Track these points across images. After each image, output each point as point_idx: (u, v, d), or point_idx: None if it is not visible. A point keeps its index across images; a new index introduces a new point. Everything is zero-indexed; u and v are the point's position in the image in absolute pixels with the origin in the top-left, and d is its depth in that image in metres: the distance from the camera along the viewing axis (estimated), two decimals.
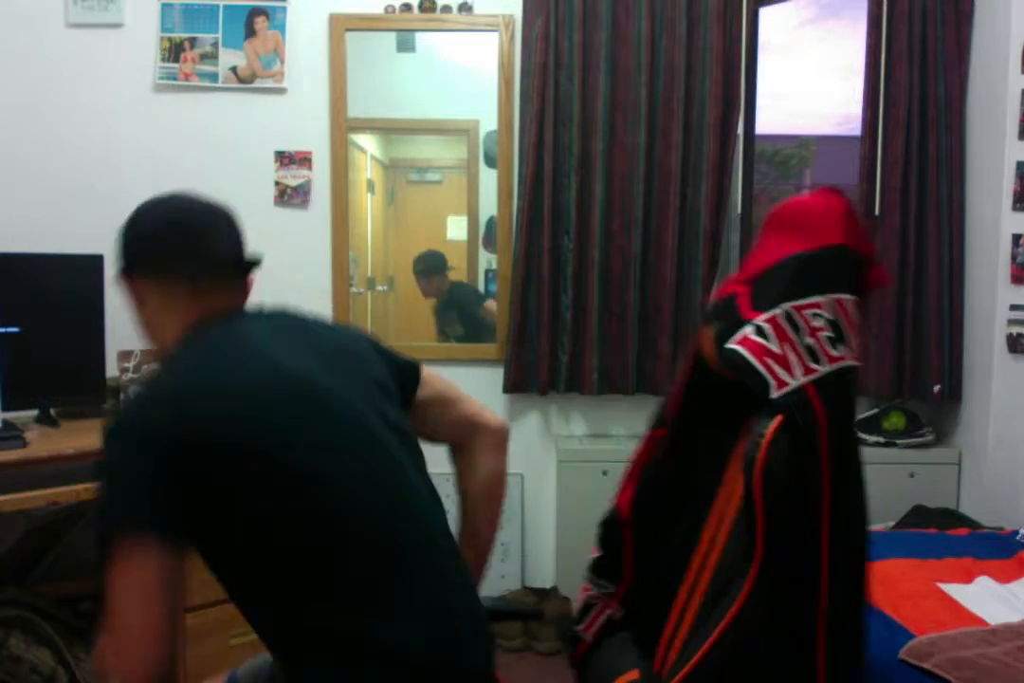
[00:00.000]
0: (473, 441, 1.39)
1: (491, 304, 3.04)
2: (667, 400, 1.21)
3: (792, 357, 1.00)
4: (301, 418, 1.11)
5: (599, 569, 1.30)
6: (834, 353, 1.01)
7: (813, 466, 0.98)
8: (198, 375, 1.11)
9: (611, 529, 1.27)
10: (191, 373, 1.11)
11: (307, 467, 1.09)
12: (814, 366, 1.00)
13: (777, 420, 0.98)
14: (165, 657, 1.03)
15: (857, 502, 1.04)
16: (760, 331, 1.02)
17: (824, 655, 1.01)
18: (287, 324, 1.25)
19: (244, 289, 1.27)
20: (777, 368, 1.00)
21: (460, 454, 1.41)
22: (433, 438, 1.39)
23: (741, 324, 1.04)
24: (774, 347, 1.01)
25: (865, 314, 1.08)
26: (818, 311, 1.02)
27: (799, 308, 1.02)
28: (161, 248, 1.19)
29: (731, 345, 1.03)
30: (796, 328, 1.01)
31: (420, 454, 1.28)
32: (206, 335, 1.17)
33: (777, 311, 1.02)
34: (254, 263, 1.26)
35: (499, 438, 1.41)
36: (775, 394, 0.99)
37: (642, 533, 1.25)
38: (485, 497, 1.40)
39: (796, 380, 1.00)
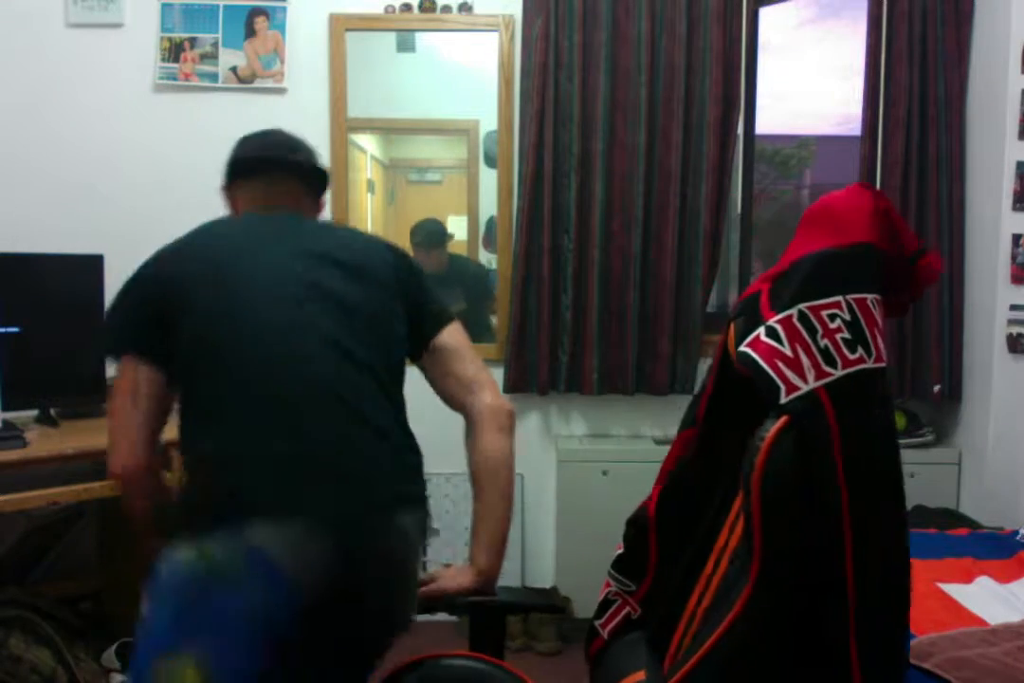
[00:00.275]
0: (472, 415, 1.45)
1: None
2: (696, 400, 1.19)
3: (805, 360, 0.97)
4: (211, 285, 1.34)
5: (621, 566, 1.29)
6: (850, 356, 0.97)
7: (824, 471, 0.96)
8: (178, 247, 1.42)
9: (638, 528, 1.26)
10: (175, 245, 1.42)
11: (202, 325, 1.33)
12: (828, 370, 0.96)
13: (780, 422, 0.96)
14: (144, 456, 1.35)
15: (889, 508, 1.01)
16: (772, 333, 0.99)
17: (858, 666, 0.99)
18: (296, 224, 1.49)
19: (316, 204, 1.58)
20: (788, 372, 0.97)
21: (467, 431, 1.46)
22: (441, 391, 1.49)
23: (759, 324, 1.01)
24: (786, 350, 0.97)
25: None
26: (836, 311, 0.98)
27: (815, 308, 0.98)
28: (253, 158, 1.52)
29: (743, 348, 1.01)
30: (811, 329, 0.98)
31: (369, 330, 1.38)
32: (224, 219, 1.49)
33: (791, 311, 0.99)
34: (325, 176, 1.57)
35: (499, 419, 1.44)
36: (784, 399, 0.97)
37: (666, 534, 1.24)
38: (485, 479, 1.42)
39: (808, 385, 0.96)
